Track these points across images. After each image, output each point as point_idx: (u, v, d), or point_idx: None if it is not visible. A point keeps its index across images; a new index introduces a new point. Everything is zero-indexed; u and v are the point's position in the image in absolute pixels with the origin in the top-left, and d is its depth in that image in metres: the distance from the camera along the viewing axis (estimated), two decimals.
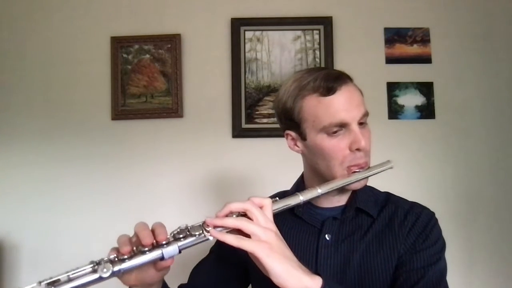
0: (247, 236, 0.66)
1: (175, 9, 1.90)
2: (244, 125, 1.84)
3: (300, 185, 0.96)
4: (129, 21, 1.89)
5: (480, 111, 1.85)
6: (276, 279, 0.64)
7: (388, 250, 0.83)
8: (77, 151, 1.84)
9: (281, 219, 0.92)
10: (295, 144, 0.89)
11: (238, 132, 1.83)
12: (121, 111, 1.85)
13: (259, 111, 1.85)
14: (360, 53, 1.85)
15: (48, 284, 0.59)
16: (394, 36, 1.88)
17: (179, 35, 1.87)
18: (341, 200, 0.90)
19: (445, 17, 1.89)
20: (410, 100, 1.84)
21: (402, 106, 1.85)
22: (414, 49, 1.87)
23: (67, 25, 1.89)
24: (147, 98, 1.86)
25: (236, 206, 0.69)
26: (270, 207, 0.70)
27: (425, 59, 1.87)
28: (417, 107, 1.85)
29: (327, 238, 0.86)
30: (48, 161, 1.84)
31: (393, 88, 1.85)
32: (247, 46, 1.88)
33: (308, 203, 0.90)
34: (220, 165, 1.83)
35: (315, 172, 0.88)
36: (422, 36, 1.88)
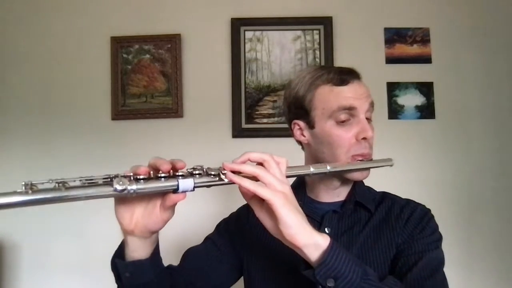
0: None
1: (175, 9, 1.90)
2: (244, 125, 1.84)
3: (301, 180, 0.97)
4: (129, 21, 1.89)
5: (480, 111, 1.85)
6: (287, 230, 0.63)
7: (386, 242, 0.85)
8: (77, 151, 1.84)
9: None
10: (302, 134, 0.92)
11: (238, 132, 1.83)
12: (121, 111, 1.85)
13: (259, 111, 1.85)
14: (360, 53, 1.85)
15: (58, 183, 0.58)
16: (394, 36, 1.88)
17: (179, 35, 1.87)
18: (340, 196, 0.93)
19: (445, 17, 1.89)
20: (410, 100, 1.84)
21: (402, 106, 1.85)
22: (414, 49, 1.87)
23: (67, 25, 1.89)
24: (147, 98, 1.86)
25: (255, 155, 0.69)
26: (285, 166, 0.71)
27: (425, 59, 1.87)
28: (417, 107, 1.85)
29: (327, 232, 0.88)
30: (48, 161, 1.83)
31: (393, 88, 1.85)
32: (247, 46, 1.88)
33: (308, 198, 0.94)
34: (220, 165, 1.82)
35: (318, 163, 0.89)
36: (422, 36, 1.88)
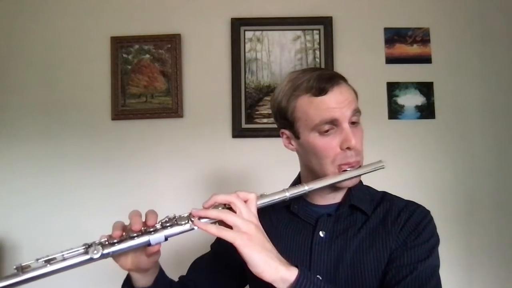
0: (231, 227, 0.69)
1: (175, 9, 1.90)
2: (244, 125, 1.84)
3: (297, 184, 0.96)
4: (129, 21, 1.89)
5: (480, 111, 1.85)
6: (253, 269, 0.67)
7: (380, 247, 0.84)
8: (77, 151, 1.84)
9: (277, 216, 0.93)
10: (290, 143, 0.92)
11: (238, 132, 1.83)
12: (121, 111, 1.85)
13: (259, 111, 1.85)
14: (360, 53, 1.85)
15: (45, 261, 0.68)
16: (394, 36, 1.88)
17: (179, 35, 1.87)
18: (336, 198, 0.91)
19: (445, 17, 1.89)
20: (410, 100, 1.84)
21: (402, 106, 1.84)
22: (414, 49, 1.87)
23: (67, 25, 1.89)
24: (147, 98, 1.86)
25: (221, 198, 0.73)
26: (254, 202, 0.74)
27: (425, 59, 1.86)
28: (417, 107, 1.84)
29: (321, 235, 0.87)
30: (48, 161, 1.84)
31: (393, 88, 1.85)
32: (247, 46, 1.87)
33: (304, 201, 0.93)
34: (220, 165, 1.83)
35: (309, 170, 0.90)
36: (422, 36, 1.87)
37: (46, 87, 1.87)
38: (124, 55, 1.87)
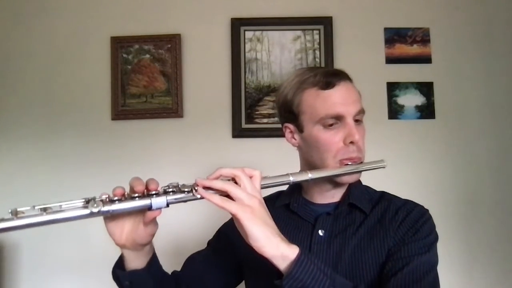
0: (234, 201, 0.69)
1: (175, 9, 1.90)
2: (244, 125, 1.84)
3: (297, 185, 0.96)
4: (129, 21, 1.89)
5: (480, 111, 1.85)
6: (254, 243, 0.66)
7: (378, 244, 0.84)
8: (77, 151, 1.84)
9: (277, 215, 0.93)
10: (293, 137, 0.93)
11: (238, 132, 1.83)
12: (121, 111, 1.85)
13: (259, 111, 1.85)
14: (360, 53, 1.85)
15: (41, 209, 0.66)
16: (394, 36, 1.88)
17: (179, 35, 1.87)
18: (335, 197, 0.92)
19: (445, 17, 1.89)
20: (410, 100, 1.84)
21: (402, 106, 1.84)
22: (414, 49, 1.87)
23: (67, 25, 1.89)
24: (147, 98, 1.86)
25: (227, 171, 0.73)
26: (259, 178, 0.74)
27: (425, 59, 1.86)
28: (417, 107, 1.84)
29: (320, 234, 0.87)
30: (48, 161, 1.83)
31: (393, 88, 1.85)
32: (247, 46, 1.88)
33: (303, 199, 0.94)
34: (220, 165, 1.80)
35: (309, 166, 0.90)
36: (422, 36, 1.88)
37: (46, 87, 1.87)
38: (124, 55, 1.87)
